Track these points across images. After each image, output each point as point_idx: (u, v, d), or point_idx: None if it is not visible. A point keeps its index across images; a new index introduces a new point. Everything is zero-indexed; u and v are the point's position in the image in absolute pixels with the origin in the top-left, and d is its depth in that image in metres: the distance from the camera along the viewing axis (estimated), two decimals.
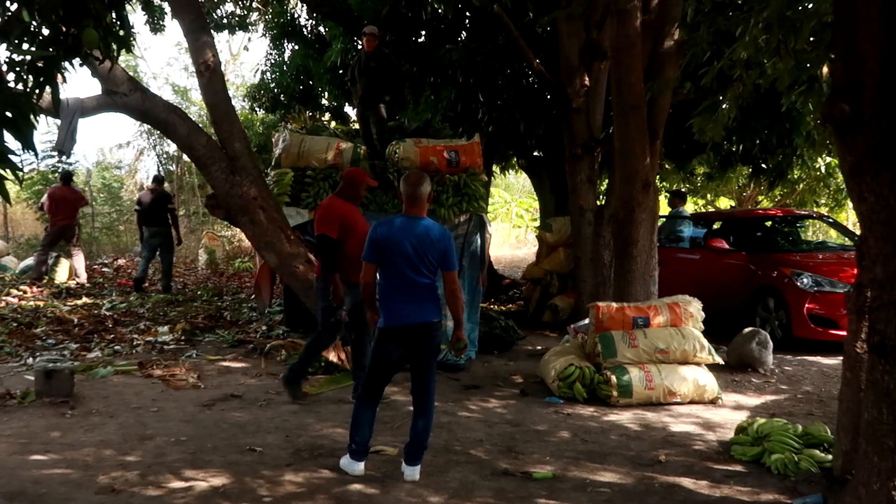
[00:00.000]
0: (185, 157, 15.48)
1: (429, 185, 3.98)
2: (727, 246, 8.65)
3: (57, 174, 13.68)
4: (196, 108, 19.71)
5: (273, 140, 8.65)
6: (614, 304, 6.02)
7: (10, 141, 2.77)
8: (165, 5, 11.17)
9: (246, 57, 38.37)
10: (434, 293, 3.90)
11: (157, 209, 11.00)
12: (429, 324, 3.87)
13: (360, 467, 3.94)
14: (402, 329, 3.87)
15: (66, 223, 11.09)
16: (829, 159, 12.55)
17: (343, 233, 5.16)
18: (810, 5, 4.66)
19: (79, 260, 11.32)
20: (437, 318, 3.91)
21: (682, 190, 12.48)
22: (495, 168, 14.08)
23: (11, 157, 2.73)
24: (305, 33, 12.73)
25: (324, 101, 13.54)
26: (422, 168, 7.47)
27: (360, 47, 8.90)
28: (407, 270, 3.82)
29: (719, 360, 5.81)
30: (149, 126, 14.89)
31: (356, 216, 5.34)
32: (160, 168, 19.33)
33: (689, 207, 19.20)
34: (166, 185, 12.91)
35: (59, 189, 11.31)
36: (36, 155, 3.11)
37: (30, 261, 11.73)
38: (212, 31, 8.20)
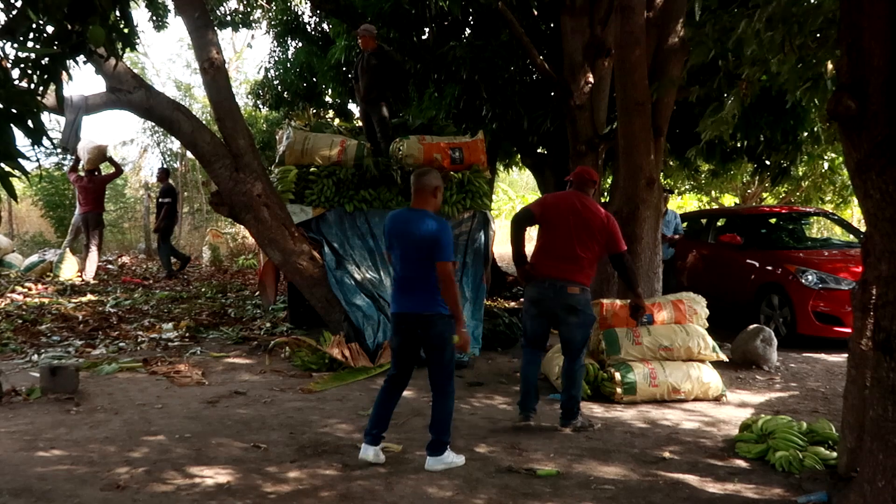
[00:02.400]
0: (188, 154, 15.53)
1: (434, 179, 4.03)
2: (740, 240, 8.61)
3: (65, 166, 13.98)
4: (199, 105, 19.73)
5: (277, 137, 8.67)
6: (618, 301, 6.00)
7: (19, 138, 2.78)
8: (169, 2, 11.19)
9: (249, 54, 38.51)
10: (428, 286, 3.89)
11: (175, 201, 12.25)
12: (419, 315, 3.92)
13: (367, 452, 3.99)
14: (395, 316, 4.03)
15: (87, 210, 11.24)
16: (833, 156, 12.50)
17: None
18: (815, 1, 4.64)
19: (92, 258, 11.28)
20: (430, 312, 3.89)
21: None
22: (499, 165, 14.07)
23: (24, 152, 2.74)
24: (309, 30, 12.74)
25: (327, 98, 13.56)
26: (425, 165, 7.49)
27: None
28: (402, 261, 3.98)
29: (723, 358, 5.80)
30: (153, 123, 14.91)
31: None
32: (164, 162, 19.34)
33: (693, 205, 19.25)
34: (170, 181, 13.09)
35: (86, 179, 11.36)
36: (54, 145, 3.14)
37: (34, 258, 11.75)
38: (215, 28, 8.21)
